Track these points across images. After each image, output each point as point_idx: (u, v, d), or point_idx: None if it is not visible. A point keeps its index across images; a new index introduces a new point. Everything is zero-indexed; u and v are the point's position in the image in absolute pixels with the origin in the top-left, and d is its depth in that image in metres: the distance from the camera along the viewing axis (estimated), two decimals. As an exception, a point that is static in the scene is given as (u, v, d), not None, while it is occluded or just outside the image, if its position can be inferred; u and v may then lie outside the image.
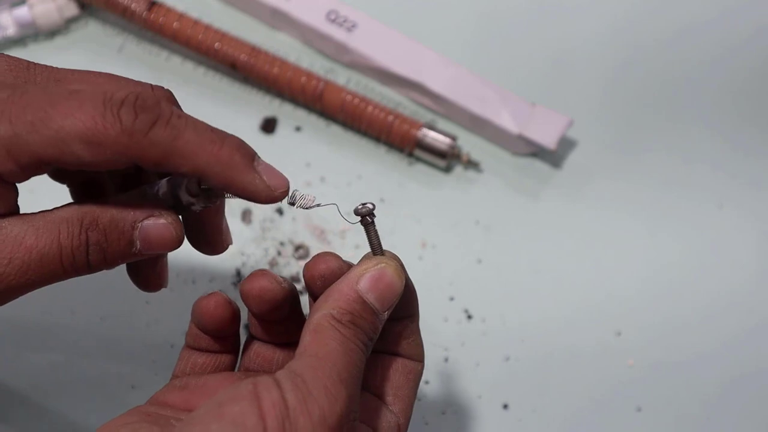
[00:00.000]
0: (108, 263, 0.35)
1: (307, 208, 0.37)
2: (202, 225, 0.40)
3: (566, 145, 0.62)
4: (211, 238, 0.40)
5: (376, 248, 0.38)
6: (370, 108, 0.60)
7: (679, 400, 0.55)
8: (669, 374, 0.56)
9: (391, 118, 0.60)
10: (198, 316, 0.39)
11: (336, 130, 0.62)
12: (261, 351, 0.41)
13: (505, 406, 0.54)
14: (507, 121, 0.61)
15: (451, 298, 0.57)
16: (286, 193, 0.35)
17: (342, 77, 0.63)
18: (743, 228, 0.60)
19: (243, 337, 0.41)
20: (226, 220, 0.41)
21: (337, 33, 0.63)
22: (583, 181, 0.62)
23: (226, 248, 0.41)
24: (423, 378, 0.54)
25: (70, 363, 0.53)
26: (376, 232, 0.38)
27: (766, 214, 0.61)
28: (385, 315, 0.36)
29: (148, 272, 0.40)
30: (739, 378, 0.56)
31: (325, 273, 0.37)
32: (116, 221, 0.35)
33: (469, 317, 0.57)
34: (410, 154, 0.61)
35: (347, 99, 0.61)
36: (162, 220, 0.35)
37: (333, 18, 0.63)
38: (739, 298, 0.58)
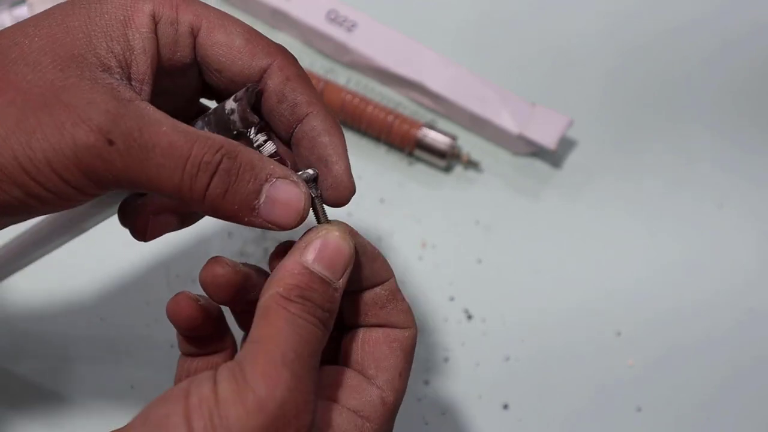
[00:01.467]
0: (223, 206, 0.33)
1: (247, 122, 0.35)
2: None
3: (566, 145, 0.62)
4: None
5: (321, 217, 0.36)
6: (370, 108, 0.60)
7: (679, 400, 0.55)
8: (669, 374, 0.56)
9: (391, 118, 0.60)
10: (171, 320, 0.38)
11: (336, 130, 0.62)
12: None
13: (505, 406, 0.54)
14: (507, 121, 0.61)
15: (451, 298, 0.57)
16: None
17: (342, 77, 0.63)
18: (743, 228, 0.60)
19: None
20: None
21: (337, 33, 0.63)
22: (583, 181, 0.62)
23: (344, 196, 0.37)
24: (423, 378, 0.54)
25: (70, 363, 0.53)
26: (319, 199, 0.36)
27: (766, 213, 0.61)
28: (341, 283, 0.34)
29: (146, 220, 0.37)
30: (739, 378, 0.56)
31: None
32: (254, 164, 0.33)
33: (469, 317, 0.57)
34: (410, 154, 0.61)
35: (347, 99, 0.61)
36: (297, 188, 0.33)
37: (333, 18, 0.63)
38: (740, 297, 0.58)
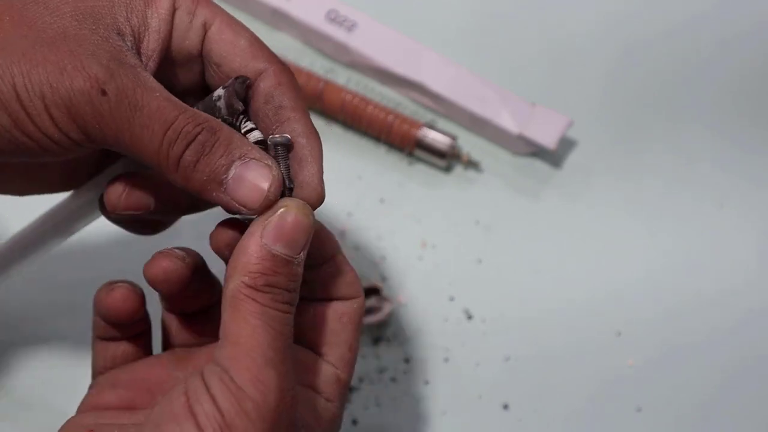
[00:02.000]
0: (193, 176, 0.33)
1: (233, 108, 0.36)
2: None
3: (566, 145, 0.62)
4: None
5: (285, 191, 0.35)
6: (370, 108, 0.60)
7: (679, 400, 0.55)
8: (669, 374, 0.56)
9: (391, 118, 0.60)
10: (105, 312, 0.38)
11: (336, 130, 0.62)
12: (184, 324, 0.40)
13: (505, 406, 0.54)
14: (507, 121, 0.61)
15: (451, 298, 0.57)
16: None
17: (342, 77, 0.63)
18: (744, 228, 0.60)
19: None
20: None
21: (337, 33, 0.63)
22: (583, 181, 0.62)
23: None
24: (423, 378, 0.54)
25: (70, 363, 0.53)
26: (287, 166, 0.35)
27: (766, 213, 0.61)
28: (302, 256, 0.33)
29: (123, 188, 0.37)
30: (740, 378, 0.56)
31: (232, 242, 0.35)
32: (231, 141, 0.33)
33: (469, 317, 0.57)
34: (410, 154, 0.61)
35: (347, 99, 0.61)
36: (269, 171, 0.34)
37: (333, 18, 0.63)
38: (740, 297, 0.58)
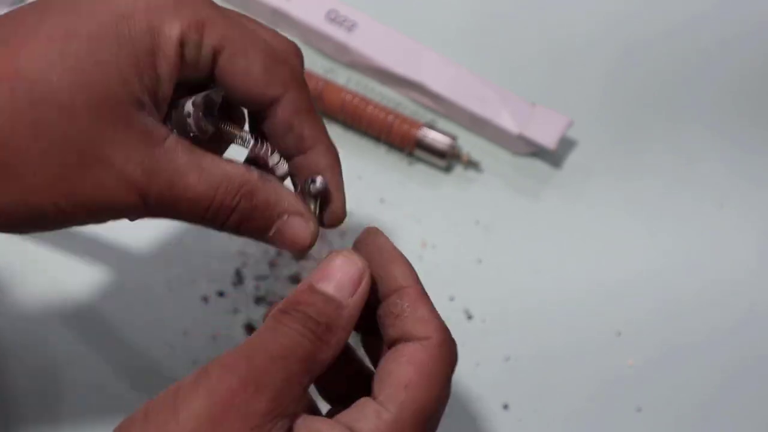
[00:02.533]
0: (239, 233, 0.36)
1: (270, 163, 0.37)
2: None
3: (566, 145, 0.62)
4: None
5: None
6: (370, 108, 0.60)
7: (679, 400, 0.55)
8: (669, 374, 0.56)
9: (391, 118, 0.60)
10: None
11: (336, 130, 0.62)
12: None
13: (505, 406, 0.54)
14: (507, 121, 0.61)
15: (451, 298, 0.57)
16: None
17: (342, 77, 0.63)
18: (744, 228, 0.60)
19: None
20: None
21: (337, 33, 0.63)
22: (583, 181, 0.62)
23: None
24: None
25: (69, 364, 0.53)
26: (318, 205, 0.37)
27: (766, 213, 0.61)
28: (351, 301, 0.33)
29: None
30: (740, 378, 0.56)
31: None
32: (269, 205, 0.35)
33: (469, 317, 0.57)
34: (410, 154, 0.61)
35: (347, 99, 0.61)
36: (306, 226, 0.36)
37: (333, 18, 0.63)
38: (740, 297, 0.58)
